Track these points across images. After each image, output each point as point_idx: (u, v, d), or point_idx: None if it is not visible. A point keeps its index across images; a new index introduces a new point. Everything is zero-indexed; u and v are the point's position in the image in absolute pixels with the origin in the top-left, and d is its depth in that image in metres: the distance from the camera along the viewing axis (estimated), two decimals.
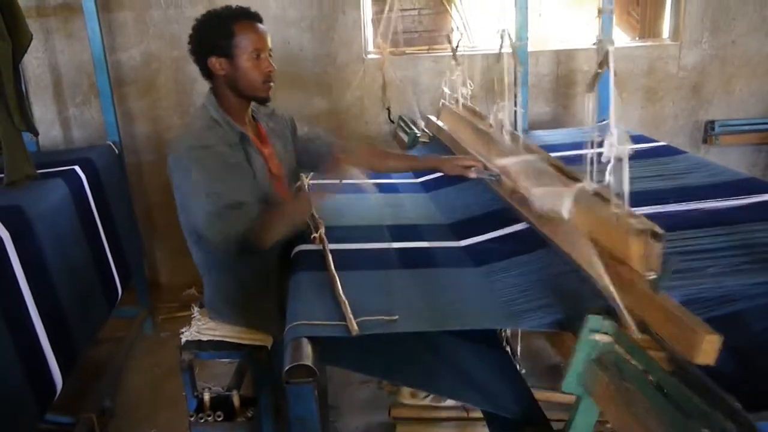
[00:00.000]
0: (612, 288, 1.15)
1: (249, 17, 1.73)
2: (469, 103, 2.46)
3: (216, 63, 1.71)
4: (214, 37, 1.70)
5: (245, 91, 1.74)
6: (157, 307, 3.31)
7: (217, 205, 1.60)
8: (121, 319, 3.02)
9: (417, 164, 2.18)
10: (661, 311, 1.08)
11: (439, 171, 2.08)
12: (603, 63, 1.11)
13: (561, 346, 1.47)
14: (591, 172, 1.36)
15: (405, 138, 2.77)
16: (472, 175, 1.96)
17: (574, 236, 1.32)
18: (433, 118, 2.72)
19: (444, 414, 2.28)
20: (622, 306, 1.13)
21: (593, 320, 1.08)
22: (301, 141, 2.00)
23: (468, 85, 2.47)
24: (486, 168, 1.96)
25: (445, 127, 2.56)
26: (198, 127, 1.73)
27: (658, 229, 1.17)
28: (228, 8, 1.74)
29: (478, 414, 2.19)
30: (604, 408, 1.08)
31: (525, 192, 1.57)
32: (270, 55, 1.75)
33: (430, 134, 2.68)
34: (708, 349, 1.00)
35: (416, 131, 2.73)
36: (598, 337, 1.09)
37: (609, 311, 1.13)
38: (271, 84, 1.76)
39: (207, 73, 1.76)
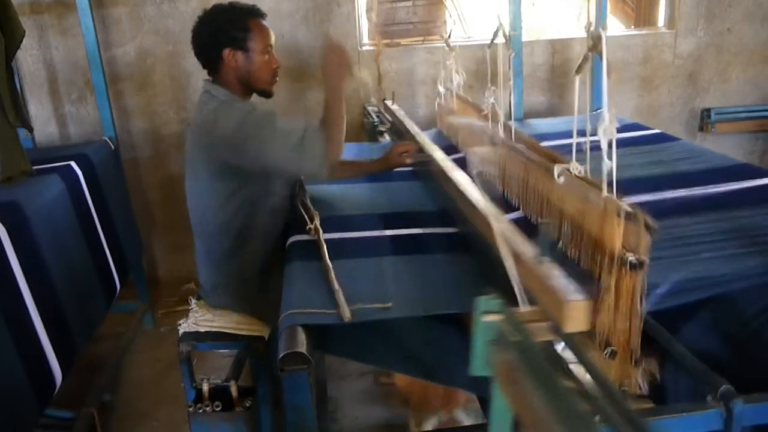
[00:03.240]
0: (509, 263, 1.14)
1: (260, 15, 1.80)
2: (461, 93, 2.46)
3: (230, 55, 1.75)
4: (231, 29, 1.74)
5: (255, 84, 1.80)
6: (156, 302, 3.32)
7: (294, 137, 1.66)
8: (121, 314, 3.03)
9: (367, 168, 2.15)
10: (538, 280, 1.06)
11: (386, 170, 2.08)
12: (593, 47, 1.11)
13: None
14: (580, 156, 1.36)
15: (367, 126, 2.83)
16: (408, 160, 1.97)
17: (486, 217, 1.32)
18: (389, 103, 2.76)
19: None
20: (515, 279, 1.12)
21: (483, 301, 1.05)
22: None
23: (461, 74, 2.47)
24: (420, 151, 1.97)
25: (398, 112, 2.63)
26: (223, 105, 1.75)
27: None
28: (239, 3, 1.79)
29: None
30: (503, 388, 1.05)
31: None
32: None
33: (390, 120, 2.71)
34: (575, 316, 0.97)
35: (374, 120, 2.77)
36: (490, 317, 1.06)
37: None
38: (277, 79, 1.84)
39: (213, 65, 1.78)
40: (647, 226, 1.10)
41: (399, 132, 2.48)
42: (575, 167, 1.27)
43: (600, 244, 1.22)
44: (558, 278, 1.05)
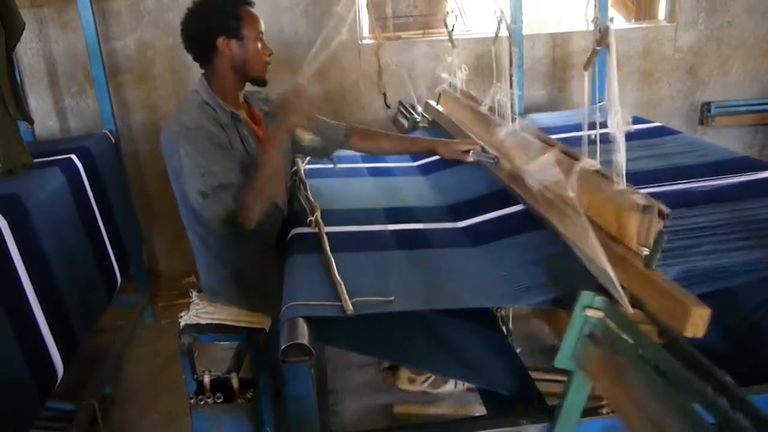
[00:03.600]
0: (606, 264, 1.16)
1: (250, 2, 1.79)
2: (464, 88, 2.46)
3: (224, 43, 1.74)
4: (224, 17, 1.74)
5: (250, 72, 1.80)
6: (157, 295, 3.32)
7: (209, 185, 1.64)
8: (121, 307, 3.04)
9: (412, 146, 2.20)
10: (652, 286, 1.09)
11: (436, 154, 2.10)
12: (601, 41, 1.11)
13: (556, 324, 1.48)
14: (588, 150, 1.37)
15: (405, 123, 2.79)
16: (470, 158, 1.97)
17: (570, 215, 1.32)
18: (432, 103, 2.73)
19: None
20: (615, 281, 1.14)
21: (586, 296, 1.09)
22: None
23: (463, 69, 2.47)
24: (484, 151, 1.97)
25: (444, 111, 2.57)
26: (188, 108, 1.75)
27: (651, 203, 1.17)
28: None
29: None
30: (596, 382, 1.09)
31: (520, 169, 1.58)
32: None
33: (429, 119, 2.69)
34: (696, 321, 1.00)
35: (416, 116, 2.74)
36: (590, 313, 1.10)
37: (602, 288, 1.15)
38: (269, 67, 1.84)
39: (206, 55, 1.77)
40: (661, 214, 1.13)
41: (445, 131, 2.44)
42: (589, 162, 1.29)
43: (615, 237, 1.23)
44: (674, 284, 1.08)
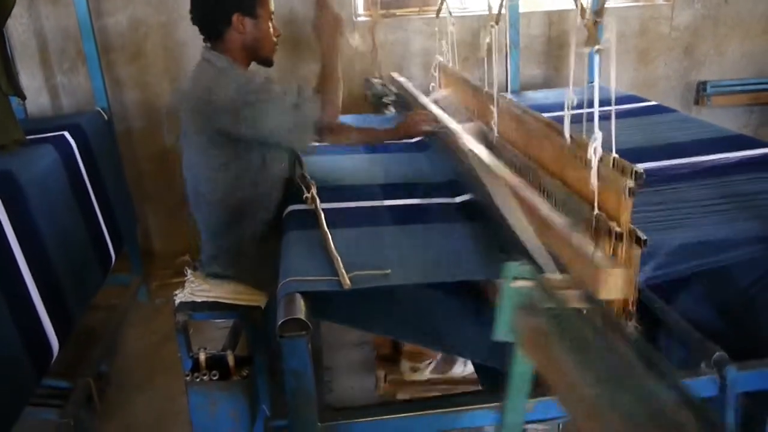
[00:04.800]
0: (529, 231, 1.15)
1: None
2: (457, 65, 2.45)
3: (239, 20, 1.72)
4: None
5: (260, 51, 1.79)
6: (151, 275, 3.31)
7: (293, 97, 1.69)
8: (116, 286, 3.03)
9: (378, 136, 2.17)
10: (571, 248, 1.08)
11: (400, 138, 2.09)
12: (599, 12, 1.11)
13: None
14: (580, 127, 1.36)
15: (371, 99, 2.81)
16: (427, 128, 1.98)
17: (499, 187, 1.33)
18: (396, 75, 2.74)
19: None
20: (540, 247, 1.13)
21: (511, 267, 1.06)
22: None
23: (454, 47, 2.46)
24: (436, 121, 1.98)
25: (406, 84, 2.61)
26: (228, 71, 1.73)
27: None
28: None
29: None
30: (529, 353, 1.06)
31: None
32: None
33: (395, 92, 2.69)
34: (612, 283, 0.98)
35: (379, 90, 2.76)
36: (519, 283, 1.08)
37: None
38: (277, 48, 1.85)
39: (218, 31, 1.74)
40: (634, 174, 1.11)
41: (406, 104, 2.46)
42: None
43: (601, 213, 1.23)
44: (591, 246, 1.06)
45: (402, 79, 2.70)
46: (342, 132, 2.04)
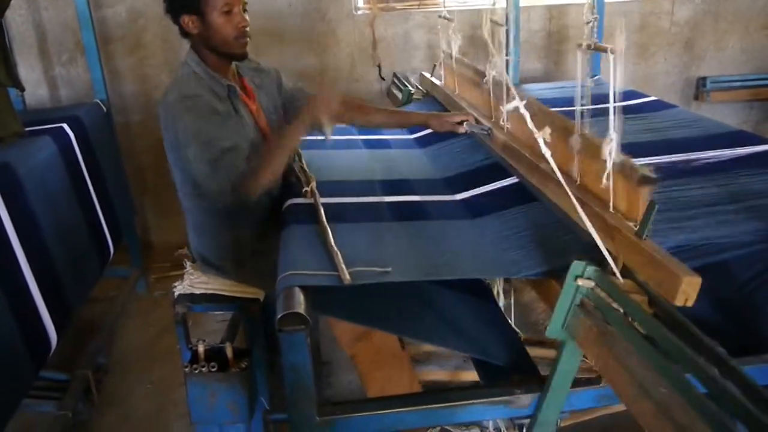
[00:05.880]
0: (596, 234, 1.16)
1: None
2: (460, 58, 2.44)
3: (188, 21, 1.67)
4: None
5: (219, 48, 1.70)
6: (150, 267, 3.31)
7: (212, 152, 1.60)
8: (114, 279, 3.03)
9: (403, 120, 2.17)
10: (643, 255, 1.08)
11: (428, 127, 2.09)
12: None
13: (548, 295, 1.49)
14: (582, 123, 1.37)
15: (399, 95, 2.77)
16: (463, 130, 1.97)
17: (561, 187, 1.33)
18: (427, 75, 2.71)
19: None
20: (605, 251, 1.14)
21: (577, 266, 1.09)
22: (286, 95, 1.97)
23: (457, 39, 2.45)
24: (477, 122, 1.96)
25: (439, 83, 2.55)
26: (184, 80, 1.70)
27: (647, 174, 1.17)
28: None
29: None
30: (587, 351, 1.09)
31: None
32: (244, 9, 1.71)
33: (424, 91, 2.67)
34: (687, 290, 0.99)
35: (410, 88, 2.72)
36: (581, 282, 1.10)
37: (594, 259, 1.15)
38: (247, 39, 1.72)
39: (183, 32, 1.73)
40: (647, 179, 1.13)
41: (440, 103, 2.43)
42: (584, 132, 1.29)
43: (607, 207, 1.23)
44: (665, 253, 1.07)
45: (433, 79, 2.65)
46: (366, 111, 2.04)
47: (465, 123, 1.97)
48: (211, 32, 1.67)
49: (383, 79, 3.09)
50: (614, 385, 1.02)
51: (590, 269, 1.10)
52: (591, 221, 1.19)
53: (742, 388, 0.81)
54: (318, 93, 1.71)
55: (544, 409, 1.19)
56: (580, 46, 1.25)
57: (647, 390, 0.92)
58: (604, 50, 1.15)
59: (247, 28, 1.70)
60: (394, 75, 3.01)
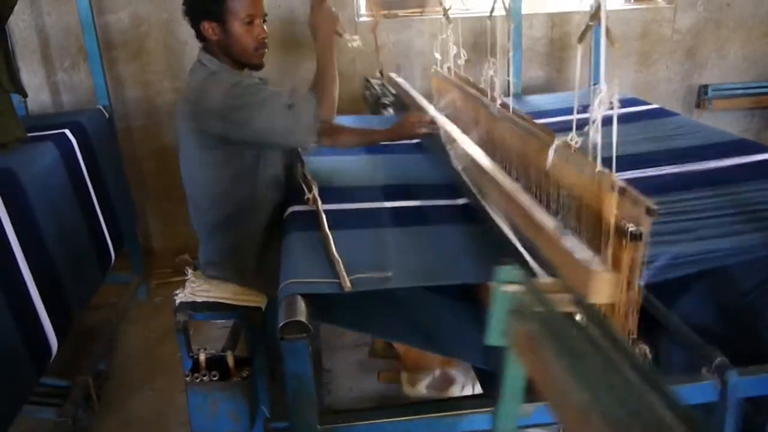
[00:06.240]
0: (510, 232, 1.15)
1: None
2: (460, 67, 2.44)
3: (208, 28, 1.70)
4: (205, 0, 1.68)
5: (238, 57, 1.74)
6: (151, 273, 3.31)
7: (284, 102, 1.67)
8: (115, 285, 3.03)
9: (374, 137, 2.13)
10: (562, 253, 1.08)
11: (396, 140, 2.07)
12: (595, 16, 1.10)
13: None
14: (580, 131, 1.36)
15: (370, 99, 2.80)
16: (422, 130, 1.96)
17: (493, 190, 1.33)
18: (394, 76, 2.73)
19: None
20: (525, 252, 1.13)
21: (504, 271, 1.06)
22: None
23: (461, 53, 2.44)
24: (433, 122, 1.96)
25: (404, 85, 2.60)
26: (217, 75, 1.72)
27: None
28: None
29: None
30: (521, 357, 1.06)
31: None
32: (265, 21, 1.74)
33: (393, 93, 2.69)
34: (601, 287, 0.98)
35: (378, 91, 2.75)
36: (510, 287, 1.07)
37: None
38: (265, 50, 1.76)
39: (200, 36, 1.75)
40: (647, 209, 1.11)
41: (404, 105, 2.45)
42: (575, 140, 1.27)
43: (599, 216, 1.22)
44: (581, 250, 1.05)
45: (400, 80, 2.69)
46: (337, 133, 1.98)
47: (418, 124, 1.97)
48: (231, 41, 1.71)
49: (383, 85, 3.09)
50: (544, 392, 0.97)
51: (516, 272, 1.05)
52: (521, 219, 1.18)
53: (665, 400, 0.78)
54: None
55: (500, 420, 1.16)
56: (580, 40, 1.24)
57: (570, 398, 0.87)
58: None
59: (266, 39, 1.75)
60: (366, 80, 3.04)
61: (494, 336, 1.05)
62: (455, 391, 2.23)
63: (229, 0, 1.67)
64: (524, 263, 1.12)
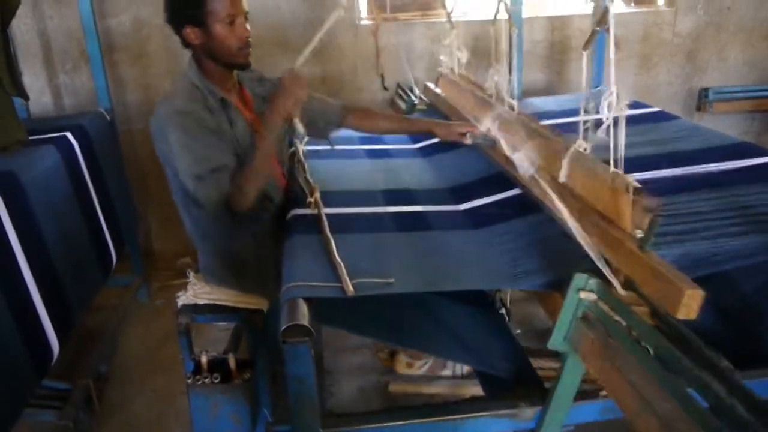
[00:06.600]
0: (594, 246, 1.16)
1: None
2: (463, 71, 2.45)
3: (190, 33, 1.66)
4: (184, 6, 1.65)
5: (223, 58, 1.70)
6: (152, 276, 3.31)
7: (202, 168, 1.59)
8: (116, 287, 3.03)
9: (410, 126, 2.16)
10: (646, 268, 1.08)
11: (434, 135, 2.08)
12: (601, 21, 1.10)
13: (551, 306, 1.49)
14: (585, 133, 1.36)
15: (402, 105, 2.77)
16: (468, 140, 1.96)
17: (559, 199, 1.33)
18: (431, 85, 2.71)
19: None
20: (600, 263, 1.14)
21: (579, 279, 1.09)
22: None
23: (463, 52, 2.45)
24: (481, 133, 1.96)
25: (443, 94, 2.55)
26: (178, 93, 1.70)
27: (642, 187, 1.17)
28: None
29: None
30: (589, 364, 1.09)
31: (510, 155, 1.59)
32: (246, 19, 1.70)
33: (427, 101, 2.68)
34: (689, 303, 0.99)
35: (413, 98, 2.73)
36: (583, 295, 1.10)
37: (597, 271, 1.15)
38: (249, 49, 1.72)
39: (185, 43, 1.72)
40: (649, 208, 1.12)
41: (443, 114, 2.42)
42: (582, 145, 1.28)
43: (609, 220, 1.23)
44: (668, 266, 1.07)
45: (438, 90, 2.66)
46: (369, 117, 2.01)
47: (469, 134, 1.97)
48: (214, 43, 1.67)
49: (386, 88, 3.09)
50: (617, 399, 1.02)
51: (592, 282, 1.10)
52: (590, 233, 1.19)
53: (746, 403, 0.80)
54: (281, 85, 1.67)
55: (547, 423, 1.19)
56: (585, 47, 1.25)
57: (650, 404, 0.92)
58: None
59: (250, 38, 1.71)
60: (398, 85, 3.02)
61: (558, 341, 1.08)
62: (447, 372, 2.31)
63: (208, 2, 1.63)
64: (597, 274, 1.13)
